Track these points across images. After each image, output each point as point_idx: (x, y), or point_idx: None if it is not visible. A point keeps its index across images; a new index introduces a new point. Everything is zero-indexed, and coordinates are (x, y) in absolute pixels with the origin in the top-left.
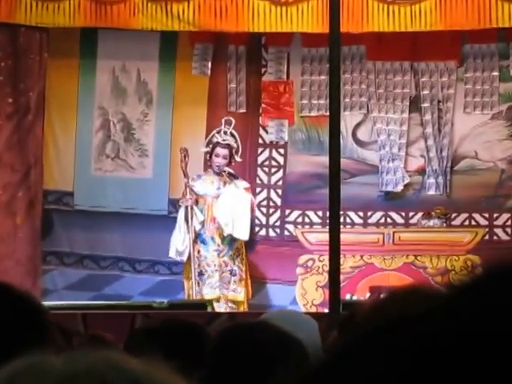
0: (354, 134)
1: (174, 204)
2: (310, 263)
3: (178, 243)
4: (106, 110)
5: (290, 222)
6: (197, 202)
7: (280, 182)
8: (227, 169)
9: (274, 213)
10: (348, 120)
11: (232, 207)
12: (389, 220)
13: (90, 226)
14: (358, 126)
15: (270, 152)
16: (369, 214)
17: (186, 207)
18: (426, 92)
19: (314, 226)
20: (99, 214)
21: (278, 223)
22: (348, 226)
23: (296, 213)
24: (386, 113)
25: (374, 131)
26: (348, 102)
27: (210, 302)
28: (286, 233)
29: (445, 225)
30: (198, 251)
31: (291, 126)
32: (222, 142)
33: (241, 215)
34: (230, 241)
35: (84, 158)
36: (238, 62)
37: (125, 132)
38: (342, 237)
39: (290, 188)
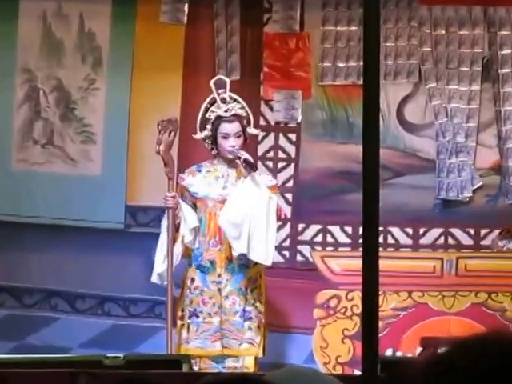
0: (399, 114)
1: (134, 213)
2: (333, 302)
3: (158, 263)
4: (33, 74)
5: (304, 242)
6: (195, 206)
7: (290, 183)
8: (244, 154)
9: (281, 228)
10: (391, 92)
11: (247, 213)
12: (450, 240)
13: (10, 245)
14: (405, 101)
15: (276, 138)
16: (421, 231)
17: (169, 210)
18: (505, 52)
19: (340, 248)
20: (24, 226)
21: (286, 243)
22: (390, 249)
23: (313, 228)
24: (448, 83)
25: (429, 109)
26: (391, 65)
27: (187, 358)
28: (299, 257)
29: None
30: (192, 280)
31: (307, 99)
32: (225, 113)
33: (261, 227)
34: (240, 267)
35: (1, 144)
36: (228, 4)
37: (61, 106)
38: (382, 264)
39: (304, 192)
